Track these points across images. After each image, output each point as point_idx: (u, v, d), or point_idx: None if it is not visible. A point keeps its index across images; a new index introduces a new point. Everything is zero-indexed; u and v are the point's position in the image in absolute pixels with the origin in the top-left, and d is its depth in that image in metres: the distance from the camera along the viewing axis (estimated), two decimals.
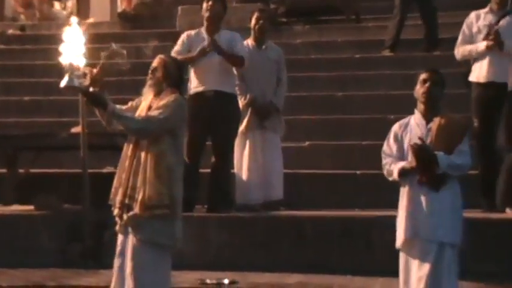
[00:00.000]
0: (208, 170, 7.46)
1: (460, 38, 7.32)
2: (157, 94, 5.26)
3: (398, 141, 5.32)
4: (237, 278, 6.29)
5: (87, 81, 5.00)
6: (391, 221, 6.72)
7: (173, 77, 5.31)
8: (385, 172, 5.36)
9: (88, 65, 5.12)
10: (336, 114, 9.23)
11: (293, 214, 7.14)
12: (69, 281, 6.41)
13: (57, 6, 14.15)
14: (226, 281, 6.17)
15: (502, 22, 7.07)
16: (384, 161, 5.35)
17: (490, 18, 7.12)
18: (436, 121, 5.22)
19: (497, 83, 6.99)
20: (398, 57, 10.30)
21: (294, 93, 8.75)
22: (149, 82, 5.31)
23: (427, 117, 5.27)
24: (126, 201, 5.10)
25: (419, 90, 5.33)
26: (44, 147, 7.77)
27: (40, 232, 7.22)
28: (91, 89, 5.01)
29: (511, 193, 6.78)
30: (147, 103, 5.27)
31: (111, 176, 7.84)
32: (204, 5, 7.62)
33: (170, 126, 5.13)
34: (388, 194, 7.62)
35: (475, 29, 7.17)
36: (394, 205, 7.34)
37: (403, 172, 5.19)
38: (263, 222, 7.03)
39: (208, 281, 6.17)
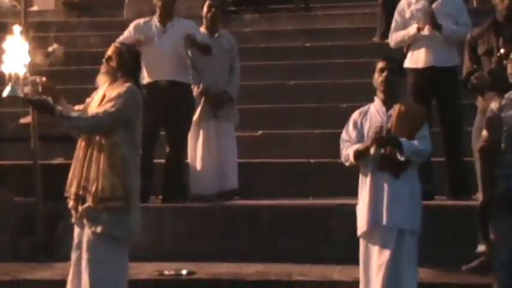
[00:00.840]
0: (162, 161, 7.36)
1: (393, 25, 7.26)
2: (112, 83, 5.17)
3: (358, 128, 5.33)
4: (194, 269, 6.22)
5: (39, 89, 4.93)
6: (348, 210, 6.73)
7: (128, 65, 5.23)
8: (342, 158, 5.37)
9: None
10: (287, 103, 9.19)
11: (249, 204, 7.09)
12: (23, 275, 6.25)
13: None
14: (184, 272, 6.10)
15: (435, 5, 7.04)
16: (341, 147, 5.36)
17: (423, 2, 7.08)
18: (396, 108, 5.25)
19: (435, 67, 6.96)
20: (348, 46, 10.31)
21: (245, 82, 8.66)
22: (103, 70, 5.22)
23: (387, 104, 5.29)
24: (81, 192, 5.04)
25: (377, 79, 5.36)
26: None
27: None
28: (41, 97, 4.95)
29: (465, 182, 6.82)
30: (101, 93, 5.18)
31: (62, 167, 7.72)
32: None
33: (123, 118, 5.06)
34: (342, 183, 7.68)
35: (408, 15, 7.12)
36: (349, 193, 7.35)
37: (358, 154, 5.19)
38: (219, 212, 6.96)
39: (166, 272, 6.09)
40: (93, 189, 4.95)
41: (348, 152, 5.25)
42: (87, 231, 5.01)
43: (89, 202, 4.99)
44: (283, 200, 7.25)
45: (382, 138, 5.10)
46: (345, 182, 7.68)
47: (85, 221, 5.01)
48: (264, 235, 6.78)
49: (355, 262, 6.12)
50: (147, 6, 11.02)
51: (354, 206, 6.73)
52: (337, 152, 8.00)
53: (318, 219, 6.81)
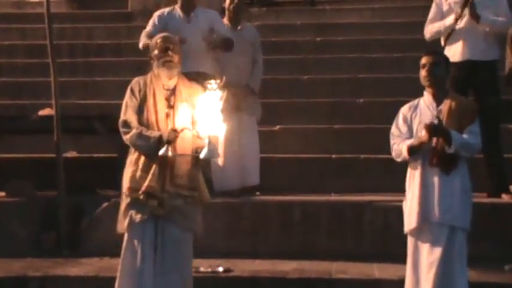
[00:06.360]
0: None
1: (429, 16, 7.11)
2: (172, 77, 5.01)
3: (408, 123, 5.22)
4: (228, 265, 6.07)
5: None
6: (379, 205, 6.69)
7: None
8: (393, 153, 5.25)
9: None
10: (302, 97, 9.08)
11: (280, 199, 6.93)
12: (53, 271, 6.04)
13: None
14: (220, 269, 5.94)
15: None
16: (392, 142, 5.24)
17: None
18: (447, 103, 5.15)
19: (472, 61, 6.85)
20: (359, 40, 10.23)
21: None
22: (169, 64, 4.98)
23: (437, 99, 5.19)
24: (171, 189, 4.83)
25: (422, 74, 5.24)
26: (11, 130, 7.36)
27: (12, 220, 6.83)
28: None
29: (505, 179, 6.71)
30: (183, 99, 4.95)
31: (80, 160, 7.54)
32: None
33: None
34: (363, 179, 7.62)
35: (445, 7, 7.01)
36: (371, 189, 7.31)
37: (412, 149, 5.08)
38: (248, 207, 6.80)
39: (202, 269, 5.92)
40: (200, 185, 4.97)
41: (400, 147, 5.13)
42: (173, 227, 4.87)
43: (185, 198, 4.87)
44: (315, 196, 7.10)
45: (434, 125, 4.98)
46: (365, 178, 7.65)
47: (173, 217, 4.87)
48: (296, 231, 6.64)
49: (390, 259, 6.06)
50: None
51: (385, 202, 6.70)
52: (358, 148, 8.01)
53: (349, 216, 6.69)
